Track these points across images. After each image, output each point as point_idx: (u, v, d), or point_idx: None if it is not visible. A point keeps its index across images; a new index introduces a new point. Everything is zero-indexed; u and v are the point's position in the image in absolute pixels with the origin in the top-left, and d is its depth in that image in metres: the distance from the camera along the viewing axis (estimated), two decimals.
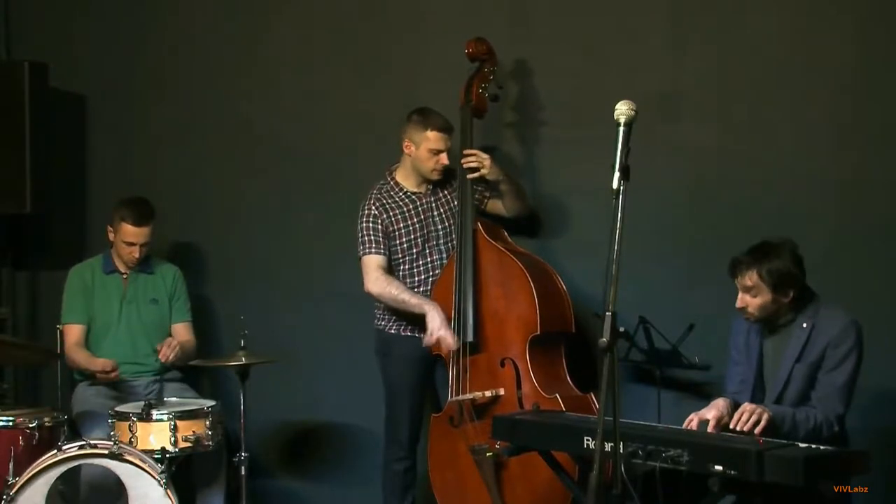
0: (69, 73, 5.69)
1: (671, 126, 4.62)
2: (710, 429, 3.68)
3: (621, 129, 3.03)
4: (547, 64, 4.90)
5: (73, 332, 5.01)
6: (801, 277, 3.80)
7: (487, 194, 4.77)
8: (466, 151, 4.63)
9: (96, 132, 5.80)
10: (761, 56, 4.53)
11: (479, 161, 4.59)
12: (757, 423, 3.59)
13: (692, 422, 3.73)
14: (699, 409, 3.81)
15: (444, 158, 4.66)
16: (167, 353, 4.93)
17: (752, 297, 3.78)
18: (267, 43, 5.48)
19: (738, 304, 3.81)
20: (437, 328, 4.49)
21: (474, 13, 5.01)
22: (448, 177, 4.79)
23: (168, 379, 5.04)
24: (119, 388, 4.96)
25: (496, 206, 4.78)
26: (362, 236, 4.70)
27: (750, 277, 3.75)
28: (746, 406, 3.66)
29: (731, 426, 3.63)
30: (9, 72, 5.37)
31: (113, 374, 4.84)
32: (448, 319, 4.52)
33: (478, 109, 4.73)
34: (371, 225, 4.69)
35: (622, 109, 3.04)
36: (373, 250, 4.67)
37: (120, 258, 5.07)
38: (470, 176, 4.62)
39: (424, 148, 4.65)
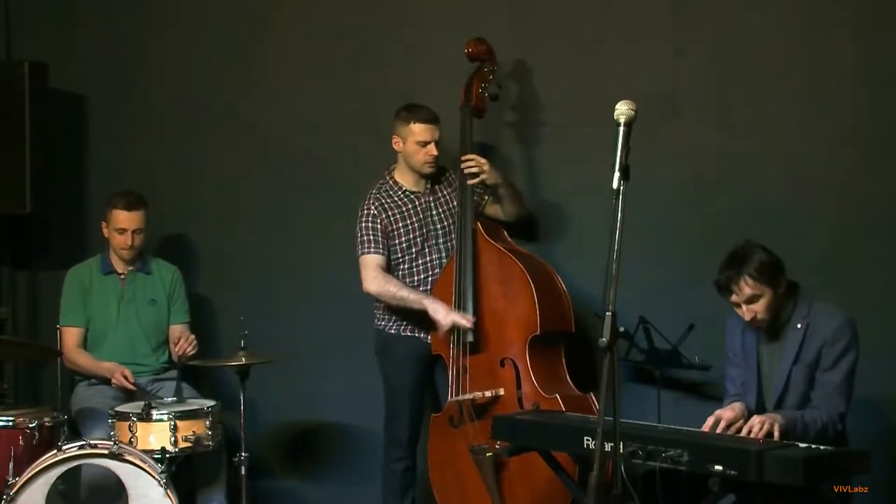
0: (69, 73, 5.69)
1: (671, 126, 4.63)
2: (719, 429, 3.67)
3: (621, 129, 3.02)
4: (547, 64, 4.90)
5: (72, 335, 5.01)
6: (782, 262, 3.79)
7: (486, 197, 4.77)
8: (465, 157, 4.63)
9: (96, 132, 5.80)
10: (761, 56, 4.53)
11: (478, 166, 4.60)
12: (770, 433, 3.57)
13: (709, 423, 3.72)
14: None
15: (432, 149, 4.67)
16: (183, 345, 4.91)
17: (756, 304, 3.75)
18: (267, 43, 5.49)
19: (747, 316, 3.78)
20: (446, 315, 4.48)
21: (474, 13, 5.01)
22: (446, 176, 4.81)
23: (168, 378, 5.03)
24: (119, 387, 4.95)
25: (494, 209, 4.78)
26: (361, 236, 4.70)
27: (747, 285, 3.72)
28: (756, 418, 3.63)
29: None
30: (9, 72, 5.37)
31: (129, 384, 4.82)
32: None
33: (477, 109, 4.73)
34: (370, 224, 4.69)
35: (622, 109, 3.04)
36: (371, 250, 4.68)
37: (115, 253, 5.06)
38: (470, 182, 4.62)
39: (411, 141, 4.66)
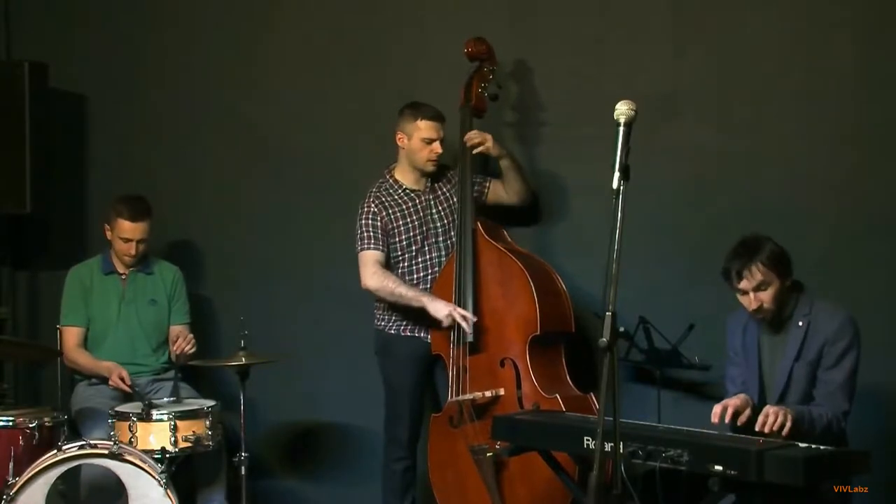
0: (69, 73, 5.69)
1: (671, 126, 4.63)
2: (727, 418, 3.65)
3: (621, 128, 3.03)
4: (547, 64, 4.90)
5: (72, 335, 5.01)
6: (789, 255, 3.82)
7: (487, 184, 4.77)
8: (470, 134, 4.65)
9: (96, 132, 5.80)
10: (761, 56, 4.53)
11: (482, 138, 4.61)
12: (783, 424, 3.57)
13: (717, 411, 3.70)
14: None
15: (437, 147, 4.67)
16: (182, 344, 4.90)
17: (763, 292, 3.77)
18: (267, 43, 5.49)
19: (753, 305, 3.78)
20: (447, 312, 4.47)
21: (474, 13, 5.01)
22: (446, 174, 4.81)
23: (168, 378, 5.02)
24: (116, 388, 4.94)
25: (498, 192, 4.77)
26: (361, 232, 4.70)
27: (758, 271, 3.74)
28: (769, 409, 3.62)
29: (757, 429, 3.59)
30: (9, 72, 5.37)
31: (125, 387, 4.82)
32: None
33: (477, 109, 4.73)
34: (370, 221, 4.69)
35: (622, 109, 3.04)
36: (371, 246, 4.68)
37: (118, 257, 5.07)
38: (475, 151, 4.62)
39: (417, 138, 4.66)
